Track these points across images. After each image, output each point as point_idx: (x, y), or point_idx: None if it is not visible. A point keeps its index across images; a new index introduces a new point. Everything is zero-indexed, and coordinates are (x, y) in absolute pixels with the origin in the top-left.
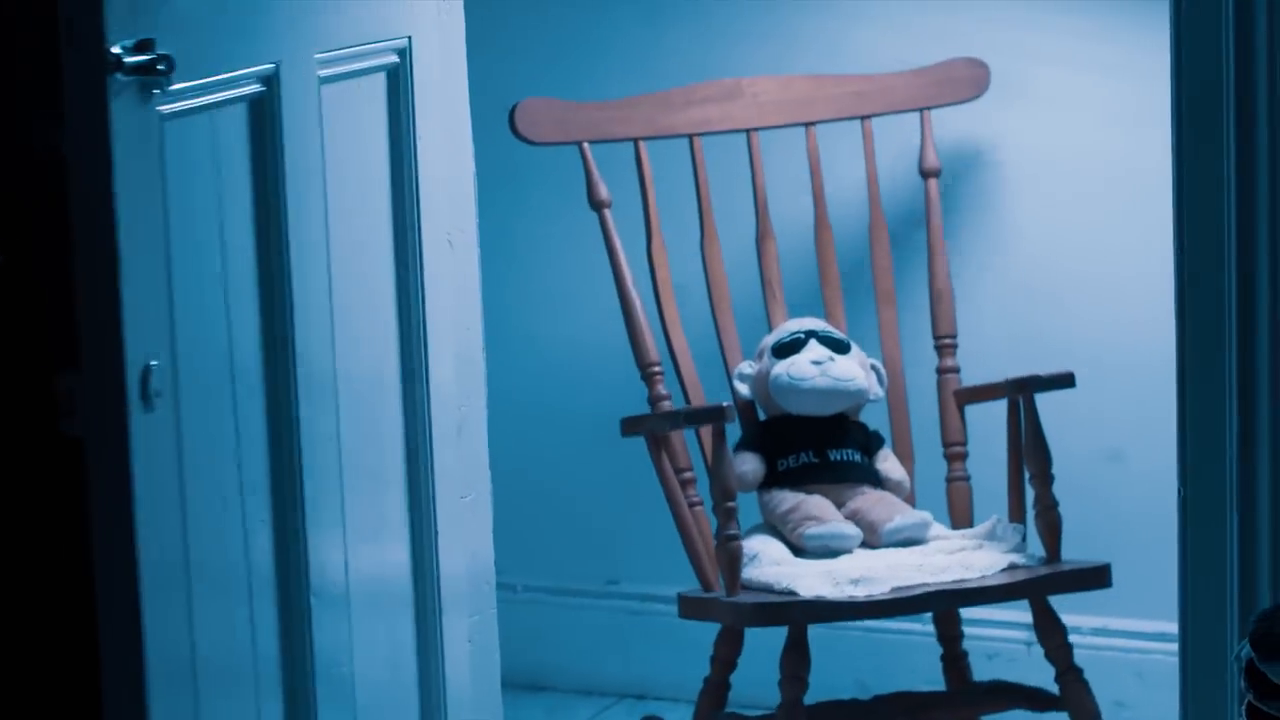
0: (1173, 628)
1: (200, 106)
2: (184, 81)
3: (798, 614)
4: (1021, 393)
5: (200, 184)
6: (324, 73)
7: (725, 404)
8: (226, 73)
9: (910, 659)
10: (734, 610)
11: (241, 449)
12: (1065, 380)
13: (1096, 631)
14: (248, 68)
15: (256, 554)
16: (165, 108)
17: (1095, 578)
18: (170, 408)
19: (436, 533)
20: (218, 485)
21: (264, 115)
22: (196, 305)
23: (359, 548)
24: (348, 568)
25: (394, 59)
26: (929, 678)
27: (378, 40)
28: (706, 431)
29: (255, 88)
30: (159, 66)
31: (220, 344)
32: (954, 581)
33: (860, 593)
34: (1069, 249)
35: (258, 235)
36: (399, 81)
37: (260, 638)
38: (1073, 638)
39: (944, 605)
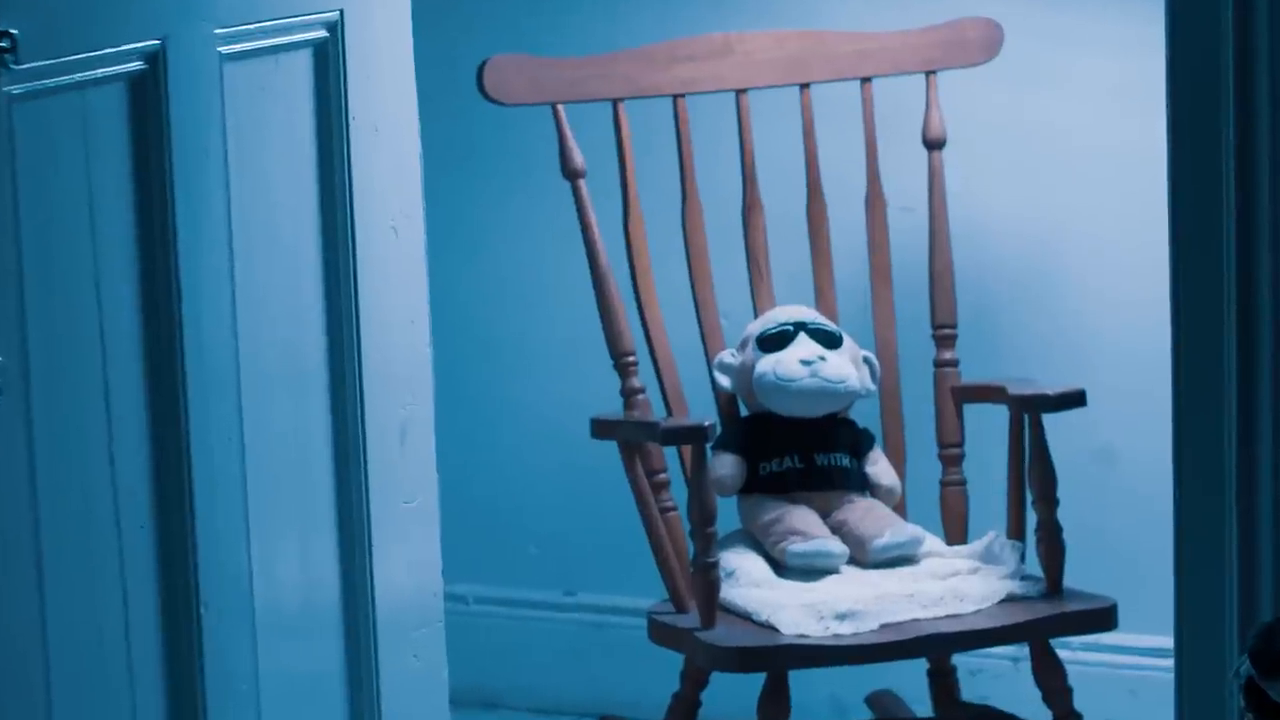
0: (1168, 642)
1: (64, 86)
2: (42, 59)
3: (780, 660)
4: (1027, 411)
5: (65, 170)
6: (228, 49)
7: (708, 422)
8: (99, 49)
9: (892, 673)
10: (710, 653)
11: (115, 448)
12: (1074, 400)
13: (1087, 646)
14: (127, 44)
15: (133, 560)
16: (15, 87)
17: (1100, 620)
18: (19, 405)
19: (371, 541)
20: (83, 486)
21: (147, 95)
22: (61, 299)
23: (266, 555)
24: (251, 577)
25: (322, 34)
26: (913, 695)
27: (301, 14)
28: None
29: (136, 65)
30: (1, 44)
31: (90, 339)
32: (947, 618)
33: (847, 630)
34: (1056, 232)
35: (140, 225)
36: (327, 59)
37: (137, 650)
38: (1063, 653)
39: (936, 650)
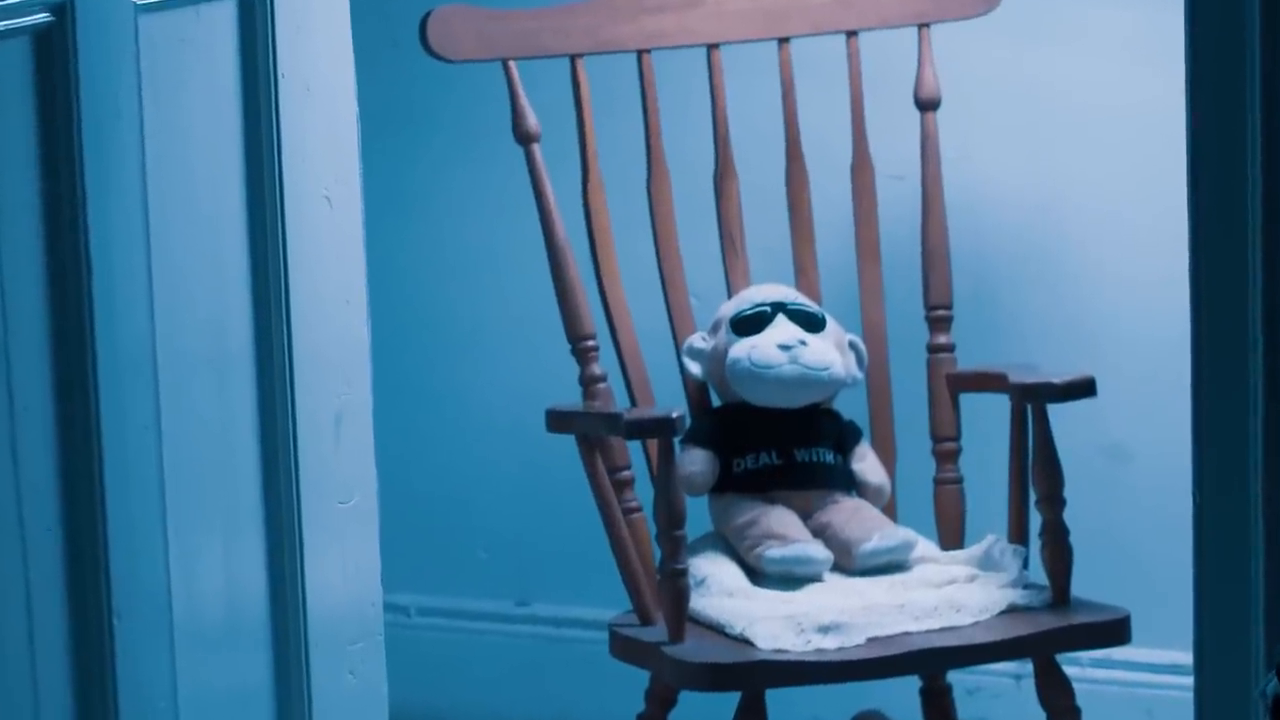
0: (1187, 658)
1: None
2: None
3: (756, 678)
4: (1030, 401)
5: None
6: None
7: (675, 413)
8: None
9: (881, 691)
10: (679, 670)
11: (18, 440)
12: (1083, 389)
13: (1098, 663)
14: None
15: (38, 564)
16: None
17: (1112, 633)
18: None
19: (302, 544)
20: None
21: (53, 50)
22: None
23: (186, 560)
24: (168, 584)
25: None
26: (904, 716)
27: None
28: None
29: (41, 18)
30: None
31: None
32: (941, 630)
33: (830, 644)
34: (1063, 203)
35: (45, 192)
36: (254, 10)
37: (42, 664)
38: (1070, 669)
39: (929, 667)
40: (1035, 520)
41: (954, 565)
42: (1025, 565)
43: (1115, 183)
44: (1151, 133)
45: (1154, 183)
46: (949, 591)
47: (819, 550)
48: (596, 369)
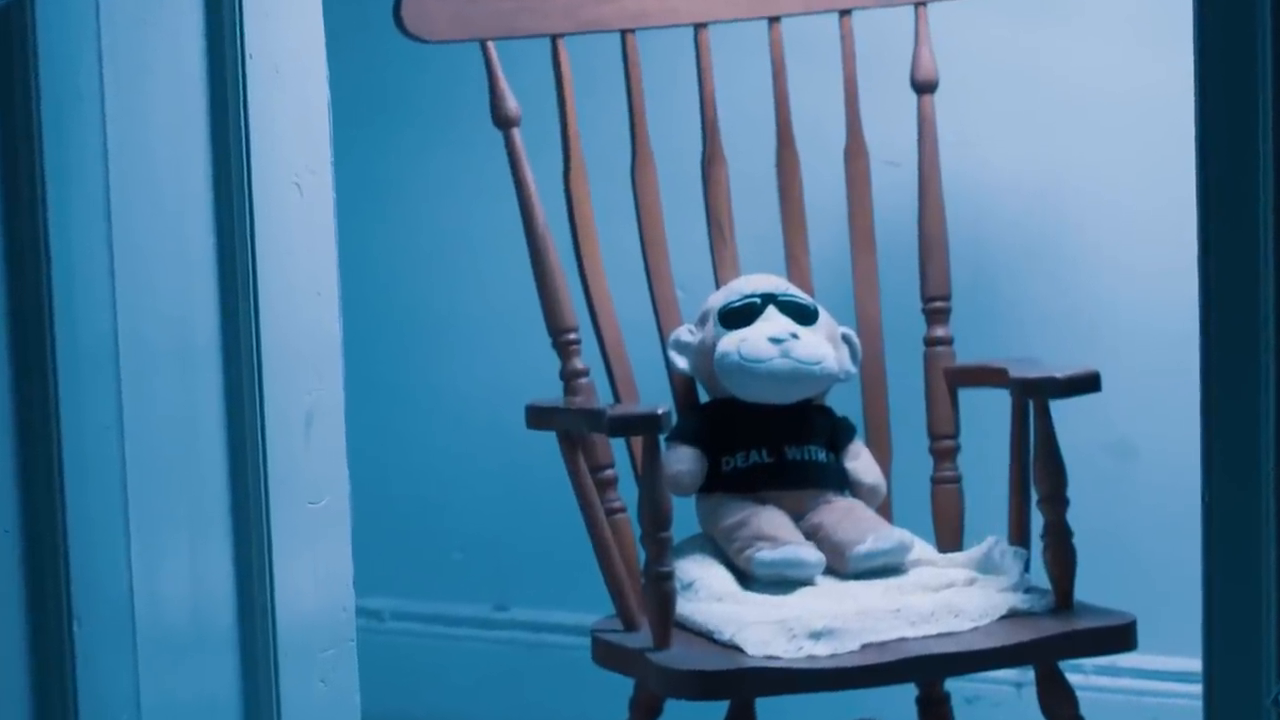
0: (1195, 665)
1: None
2: None
3: (746, 686)
4: (1032, 396)
5: None
6: None
7: (661, 410)
8: None
9: (876, 700)
10: (665, 677)
11: None
12: (1087, 384)
13: (1102, 670)
14: None
15: None
16: None
17: (1117, 639)
18: None
19: (271, 547)
20: None
21: (11, 29)
22: None
23: (149, 563)
24: (131, 588)
25: None
26: None
27: None
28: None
29: None
30: None
31: None
32: (939, 636)
33: (823, 651)
34: (1066, 190)
35: (3, 180)
36: None
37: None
38: (1073, 677)
39: (927, 674)
40: (1037, 521)
41: (952, 568)
42: (1026, 568)
43: (1120, 168)
44: (1157, 116)
45: (1160, 168)
46: (947, 595)
47: (811, 553)
48: (578, 363)
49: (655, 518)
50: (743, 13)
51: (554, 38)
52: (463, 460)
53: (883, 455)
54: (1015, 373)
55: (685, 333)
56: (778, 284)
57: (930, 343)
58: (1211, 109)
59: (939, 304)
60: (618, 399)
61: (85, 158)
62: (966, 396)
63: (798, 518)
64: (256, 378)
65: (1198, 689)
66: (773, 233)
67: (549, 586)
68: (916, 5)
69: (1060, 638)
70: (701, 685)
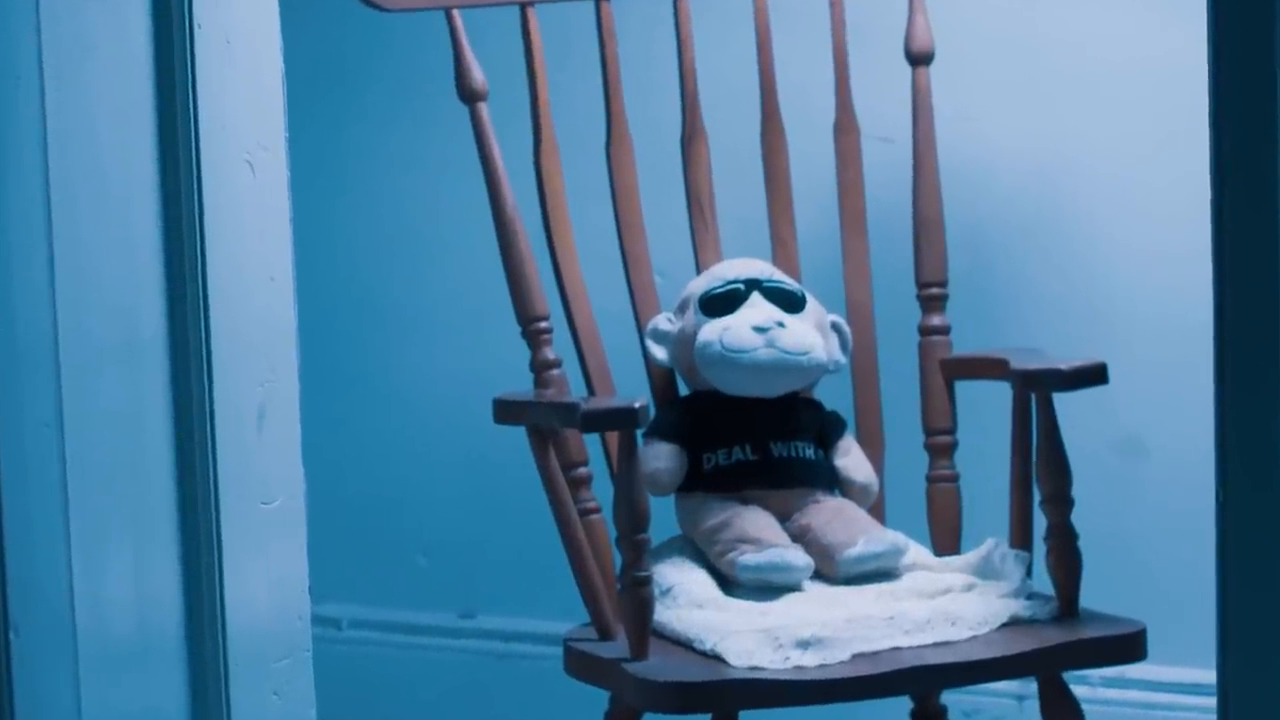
0: (1209, 676)
1: None
2: None
3: (729, 699)
4: (1034, 389)
5: None
6: None
7: (638, 403)
8: None
9: (868, 714)
10: (642, 689)
11: None
12: (1093, 376)
13: (1110, 682)
14: None
15: None
16: None
17: (1125, 648)
18: None
19: (221, 550)
20: None
21: None
22: None
23: (91, 569)
24: (72, 596)
25: None
26: None
27: None
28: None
29: None
30: None
31: None
32: (935, 646)
33: (811, 661)
34: (1071, 168)
35: None
36: None
37: None
38: (1079, 689)
39: (922, 686)
40: (1040, 523)
41: (949, 573)
42: (1029, 573)
43: (1128, 143)
44: (1168, 87)
45: (1171, 143)
46: (944, 602)
47: (799, 557)
48: (550, 353)
49: (632, 519)
50: None
51: (523, 5)
52: (426, 457)
53: (875, 452)
54: (1016, 364)
55: (664, 321)
56: (763, 269)
57: (925, 331)
58: (1226, 78)
59: (935, 290)
60: (592, 392)
61: (23, 142)
62: (964, 389)
63: (784, 519)
64: (205, 370)
65: (1211, 702)
66: (757, 214)
67: (518, 593)
68: None
69: (1064, 647)
70: (681, 698)
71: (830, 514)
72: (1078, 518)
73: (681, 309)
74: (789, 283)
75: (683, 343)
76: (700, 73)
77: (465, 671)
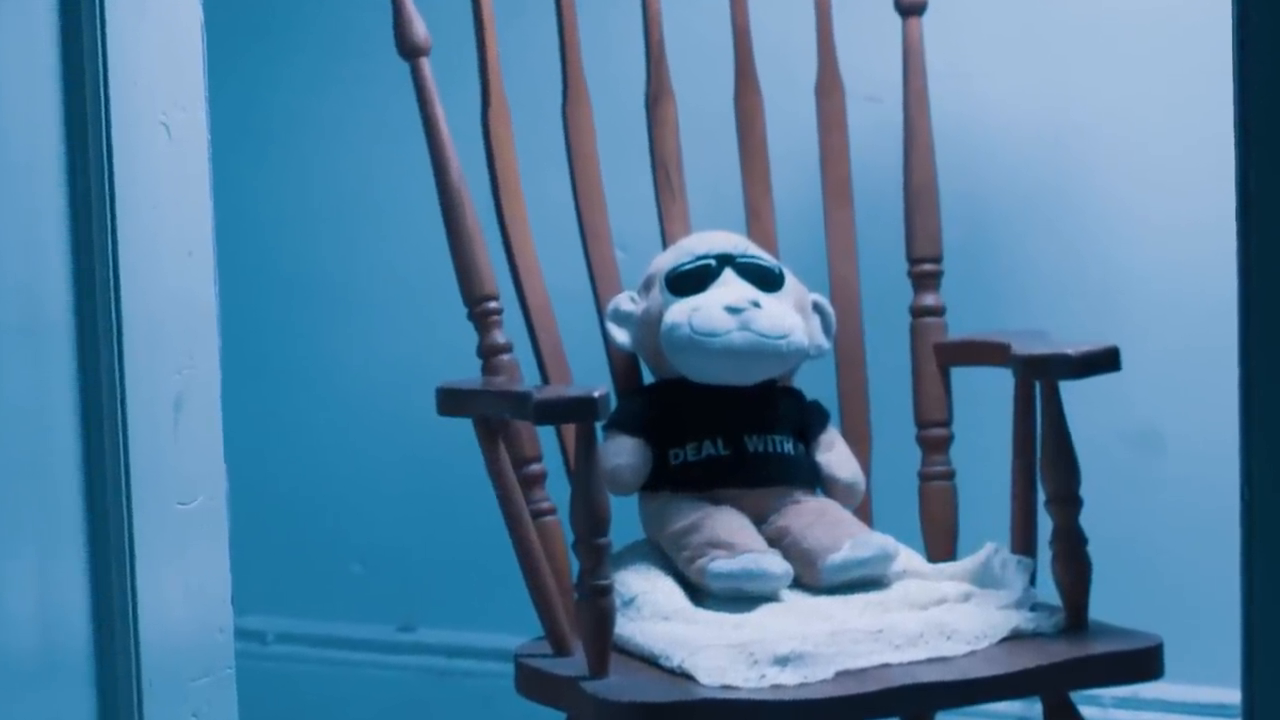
0: (1233, 697)
1: None
2: None
3: None
4: (1039, 377)
5: None
6: None
7: (597, 392)
8: None
9: None
10: (602, 710)
11: None
12: (1103, 361)
13: (1123, 703)
14: None
15: None
16: None
17: (1139, 665)
18: None
19: (133, 556)
20: None
21: None
22: None
23: None
24: None
25: None
26: None
27: None
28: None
29: None
30: None
31: None
32: (929, 662)
33: (790, 679)
34: (1078, 131)
35: None
36: None
37: None
38: (1088, 711)
39: (914, 706)
40: (1045, 525)
41: (944, 581)
42: (1032, 581)
43: (1142, 104)
44: (1189, 42)
45: (1190, 104)
46: (938, 614)
47: (776, 563)
48: (500, 337)
49: (591, 521)
50: None
51: None
52: (362, 453)
53: (861, 446)
54: (1019, 349)
55: (626, 301)
56: (736, 243)
57: (918, 313)
58: (1252, 30)
59: (928, 266)
60: (546, 380)
61: None
62: (960, 376)
63: (760, 521)
64: (116, 356)
65: None
66: (730, 182)
67: (464, 603)
68: None
69: (1072, 664)
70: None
71: (811, 516)
72: (1086, 519)
73: (646, 287)
74: (765, 258)
75: (647, 325)
76: (667, 24)
77: (405, 690)
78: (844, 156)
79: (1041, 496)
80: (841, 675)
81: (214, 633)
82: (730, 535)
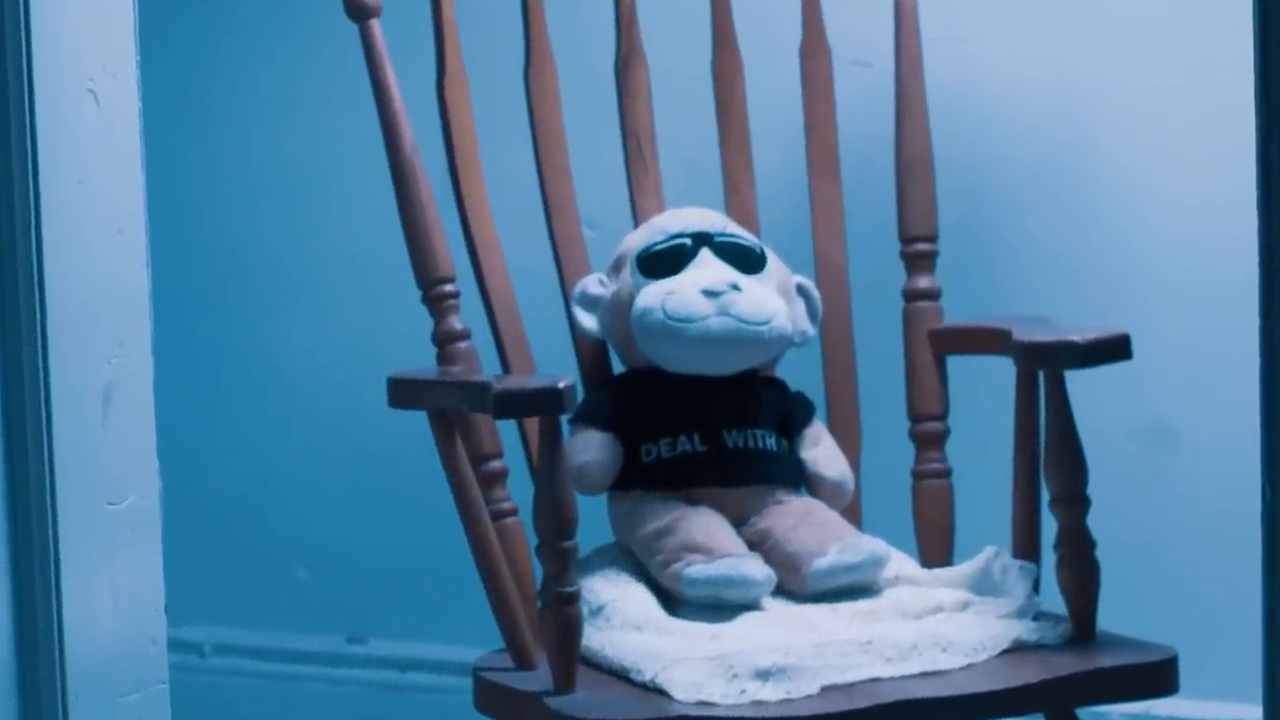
0: (1253, 713)
1: None
2: None
3: None
4: (1043, 366)
5: None
6: None
7: (563, 383)
8: None
9: None
10: None
11: None
12: (1113, 349)
13: (1133, 719)
14: None
15: None
16: None
17: (1152, 679)
18: None
19: (58, 561)
20: None
21: None
22: None
23: None
24: None
25: None
26: None
27: None
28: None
29: None
30: None
31: None
32: (923, 676)
33: (773, 695)
34: (1085, 100)
35: None
36: None
37: None
38: None
39: None
40: (1049, 527)
41: (940, 588)
42: (1036, 588)
43: (1154, 70)
44: (1204, 2)
45: (1207, 70)
46: (933, 624)
47: (757, 568)
48: (456, 323)
49: (556, 523)
50: None
51: None
52: (308, 449)
53: (850, 442)
54: (1021, 335)
55: (594, 283)
56: (714, 220)
57: (911, 296)
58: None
59: (922, 246)
60: (507, 369)
61: None
62: (957, 366)
63: (739, 522)
64: (40, 343)
65: None
66: (708, 154)
67: (418, 613)
68: None
69: (1079, 678)
70: None
71: (796, 517)
72: (1094, 521)
73: (615, 269)
74: (746, 237)
75: (617, 310)
76: None
77: (354, 706)
78: (831, 126)
79: (1045, 496)
80: (828, 690)
81: (146, 644)
82: (707, 538)
